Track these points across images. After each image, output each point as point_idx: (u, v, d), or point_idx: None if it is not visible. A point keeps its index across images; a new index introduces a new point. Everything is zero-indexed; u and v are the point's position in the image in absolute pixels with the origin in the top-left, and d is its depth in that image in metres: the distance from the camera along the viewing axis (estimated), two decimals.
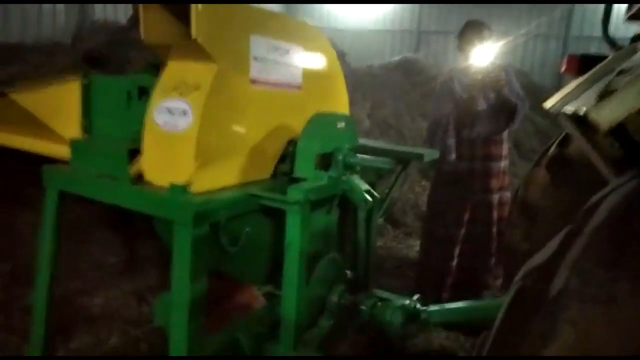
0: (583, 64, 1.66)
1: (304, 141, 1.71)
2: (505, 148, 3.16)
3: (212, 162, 1.55)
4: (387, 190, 2.28)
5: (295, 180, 1.70)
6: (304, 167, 1.72)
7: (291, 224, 1.60)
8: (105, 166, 1.62)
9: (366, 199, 1.73)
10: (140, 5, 1.47)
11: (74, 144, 1.73)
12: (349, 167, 1.79)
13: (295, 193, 1.56)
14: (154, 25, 1.50)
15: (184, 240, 1.43)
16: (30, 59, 3.21)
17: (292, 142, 1.80)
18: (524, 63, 10.59)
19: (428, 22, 12.11)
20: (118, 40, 3.11)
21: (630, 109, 0.84)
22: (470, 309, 1.99)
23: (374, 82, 6.64)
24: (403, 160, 2.21)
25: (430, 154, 2.27)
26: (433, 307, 1.95)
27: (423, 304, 1.95)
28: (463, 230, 3.11)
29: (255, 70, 1.65)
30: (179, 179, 1.47)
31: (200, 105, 1.48)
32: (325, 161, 1.76)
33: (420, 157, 2.17)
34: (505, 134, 3.13)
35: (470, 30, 3.06)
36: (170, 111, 1.51)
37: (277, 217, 1.67)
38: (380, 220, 2.36)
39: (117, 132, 1.74)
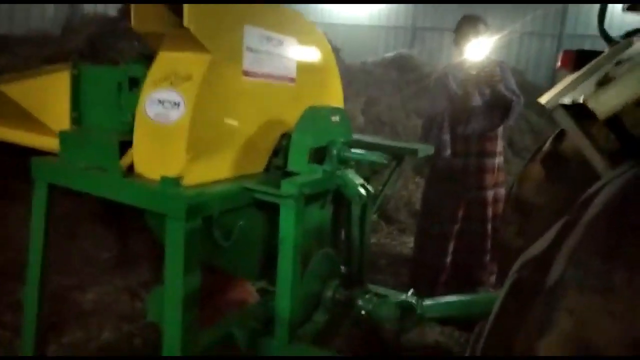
0: (579, 59, 1.65)
1: (297, 135, 1.69)
2: (499, 144, 3.16)
3: (204, 155, 1.53)
4: (381, 187, 2.28)
5: (289, 174, 1.68)
6: (297, 160, 1.70)
7: (285, 218, 1.58)
8: (96, 158, 1.59)
9: (360, 194, 1.72)
10: None
11: (63, 136, 1.70)
12: (343, 161, 1.77)
13: (288, 187, 1.54)
14: (145, 12, 1.47)
15: (177, 234, 1.41)
16: (19, 50, 3.18)
17: (285, 136, 1.78)
18: (519, 62, 10.66)
19: (423, 18, 12.12)
20: (108, 32, 3.08)
21: (628, 96, 0.83)
22: (466, 302, 1.99)
23: (368, 79, 6.64)
24: (397, 156, 2.20)
25: (425, 150, 2.26)
26: (428, 302, 1.94)
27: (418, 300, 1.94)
28: (457, 227, 3.11)
29: (248, 61, 1.62)
30: (171, 172, 1.45)
31: (192, 97, 1.45)
32: (319, 155, 1.74)
33: (414, 152, 2.16)
34: (500, 130, 3.13)
35: (466, 24, 3.05)
36: (161, 102, 1.49)
37: (270, 211, 1.65)
38: (374, 217, 2.35)
39: (107, 123, 1.71)
